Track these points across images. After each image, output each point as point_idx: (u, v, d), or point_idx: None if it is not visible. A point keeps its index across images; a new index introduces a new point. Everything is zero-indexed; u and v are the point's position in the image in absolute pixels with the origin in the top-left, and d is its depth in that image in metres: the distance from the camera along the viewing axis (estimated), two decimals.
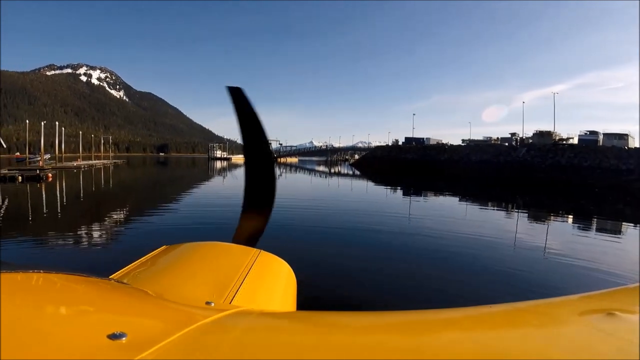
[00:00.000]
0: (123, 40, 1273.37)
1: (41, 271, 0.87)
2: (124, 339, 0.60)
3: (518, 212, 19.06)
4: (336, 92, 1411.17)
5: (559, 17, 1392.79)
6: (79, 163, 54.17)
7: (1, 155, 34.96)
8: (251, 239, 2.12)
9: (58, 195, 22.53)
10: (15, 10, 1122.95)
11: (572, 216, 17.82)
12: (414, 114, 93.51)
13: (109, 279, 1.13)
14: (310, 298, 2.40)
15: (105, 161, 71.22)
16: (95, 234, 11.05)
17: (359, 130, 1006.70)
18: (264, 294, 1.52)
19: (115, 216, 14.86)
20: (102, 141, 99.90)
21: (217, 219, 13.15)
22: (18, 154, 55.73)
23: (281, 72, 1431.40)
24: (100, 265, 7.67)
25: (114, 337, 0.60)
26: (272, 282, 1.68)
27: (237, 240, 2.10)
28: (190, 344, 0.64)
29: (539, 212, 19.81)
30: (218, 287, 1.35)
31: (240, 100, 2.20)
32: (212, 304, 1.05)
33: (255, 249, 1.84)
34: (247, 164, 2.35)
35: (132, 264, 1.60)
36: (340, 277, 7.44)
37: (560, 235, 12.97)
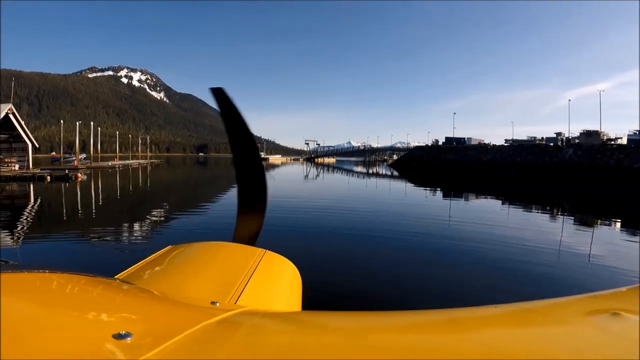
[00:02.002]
0: (163, 39, 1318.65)
1: (46, 271, 0.90)
2: (129, 338, 0.61)
3: (563, 216, 17.85)
4: (374, 90, 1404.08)
5: (599, 14, 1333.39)
6: (114, 163, 54.78)
7: (34, 155, 35.09)
8: (250, 239, 2.11)
9: (81, 195, 22.31)
10: (58, 13, 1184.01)
11: (620, 221, 16.39)
12: (454, 113, 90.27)
13: (114, 278, 1.16)
14: (316, 298, 2.30)
15: (142, 161, 72.14)
16: (105, 234, 11.14)
17: (398, 130, 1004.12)
18: (269, 294, 1.54)
19: (128, 216, 15.00)
20: (140, 141, 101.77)
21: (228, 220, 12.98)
22: (54, 153, 56.95)
23: (318, 71, 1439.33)
24: (106, 265, 7.70)
25: (119, 337, 0.61)
26: (277, 282, 1.69)
27: (237, 240, 2.08)
28: (195, 343, 0.65)
29: (587, 216, 18.30)
30: (223, 287, 1.37)
31: (223, 100, 2.20)
32: (218, 304, 1.08)
33: (260, 249, 1.84)
34: (236, 164, 2.33)
35: (137, 263, 1.62)
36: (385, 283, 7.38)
37: (607, 241, 12.23)
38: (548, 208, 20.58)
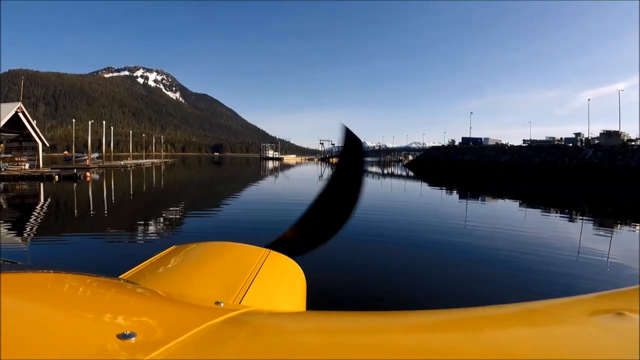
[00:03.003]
0: (179, 39, 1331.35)
1: (50, 271, 0.91)
2: (133, 339, 0.62)
3: (582, 218, 17.13)
4: (389, 90, 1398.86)
5: (615, 13, 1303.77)
6: (126, 162, 54.94)
7: (50, 154, 35.33)
8: (293, 251, 2.04)
9: (88, 194, 22.23)
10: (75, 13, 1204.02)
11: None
12: (471, 113, 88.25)
13: (118, 278, 1.18)
14: (320, 298, 2.35)
15: (155, 160, 72.48)
16: (109, 234, 11.20)
17: (413, 131, 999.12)
18: (274, 294, 1.56)
19: (132, 216, 15.09)
20: (154, 140, 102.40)
21: (230, 220, 13.70)
22: (66, 152, 57.36)
23: (333, 72, 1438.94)
24: (110, 265, 7.66)
25: (123, 337, 0.62)
26: (281, 282, 1.71)
27: (273, 246, 2.00)
28: (199, 344, 0.66)
29: (607, 218, 17.62)
30: (227, 287, 1.40)
31: (348, 136, 2.24)
32: (222, 304, 1.08)
33: (264, 249, 1.85)
34: (336, 183, 2.35)
35: (142, 264, 1.65)
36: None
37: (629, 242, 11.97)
38: (567, 210, 19.95)
